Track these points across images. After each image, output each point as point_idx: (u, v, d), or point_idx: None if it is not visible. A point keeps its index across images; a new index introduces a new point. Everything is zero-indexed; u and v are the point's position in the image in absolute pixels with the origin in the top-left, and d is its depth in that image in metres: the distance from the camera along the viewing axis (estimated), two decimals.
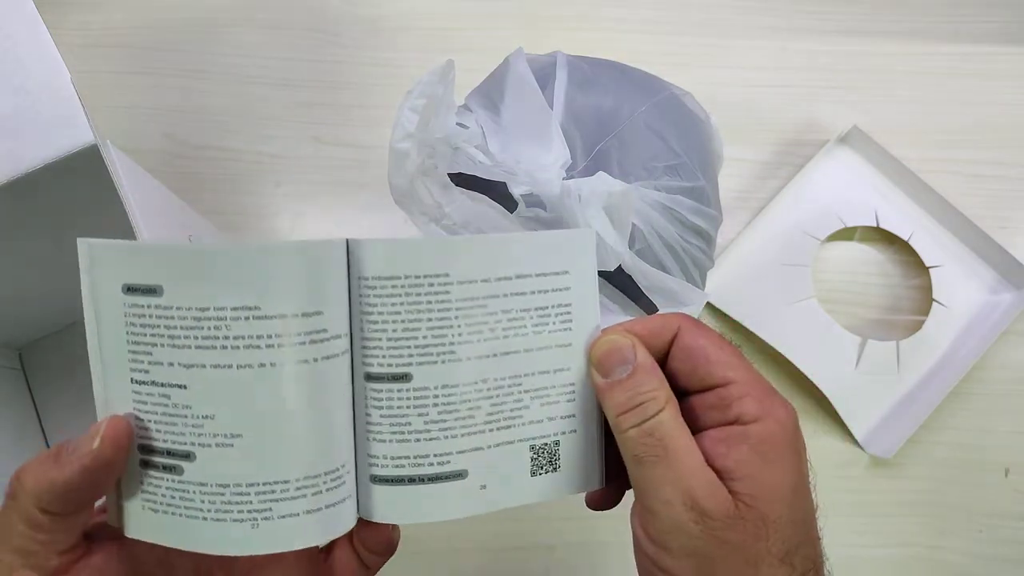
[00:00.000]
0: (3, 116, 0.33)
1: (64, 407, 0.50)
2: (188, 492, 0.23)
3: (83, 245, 0.23)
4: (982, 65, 0.61)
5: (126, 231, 0.34)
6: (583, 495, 0.28)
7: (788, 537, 0.23)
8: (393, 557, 0.28)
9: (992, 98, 0.60)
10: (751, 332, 0.52)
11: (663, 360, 0.25)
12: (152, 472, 0.24)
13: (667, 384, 0.24)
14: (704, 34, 0.62)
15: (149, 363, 0.23)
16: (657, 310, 0.37)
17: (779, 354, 0.51)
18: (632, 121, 0.39)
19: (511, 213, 0.37)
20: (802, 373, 0.51)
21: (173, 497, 0.24)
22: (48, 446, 0.49)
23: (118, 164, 0.35)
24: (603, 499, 0.28)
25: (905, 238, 0.55)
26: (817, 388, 0.51)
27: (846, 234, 0.57)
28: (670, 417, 0.24)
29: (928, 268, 0.54)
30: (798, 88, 0.61)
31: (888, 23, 0.62)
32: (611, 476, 0.27)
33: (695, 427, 0.24)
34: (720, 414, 0.24)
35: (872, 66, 0.61)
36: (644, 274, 0.35)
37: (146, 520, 0.24)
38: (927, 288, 0.54)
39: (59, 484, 0.22)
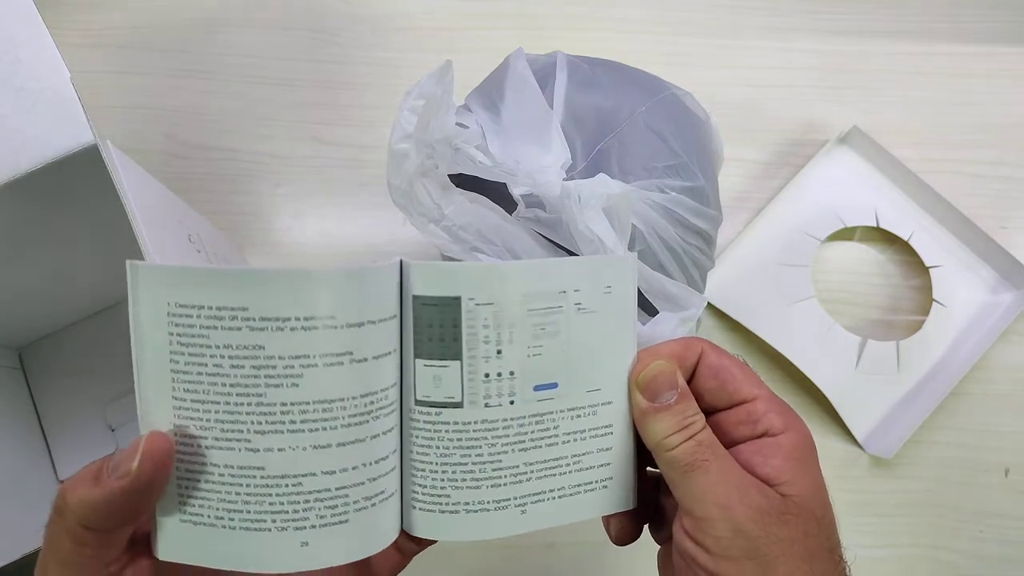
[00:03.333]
0: (3, 116, 0.33)
1: (64, 407, 0.50)
2: (243, 500, 0.23)
3: (131, 267, 0.23)
4: (983, 65, 0.61)
5: (126, 231, 0.34)
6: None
7: (831, 533, 0.25)
8: None
9: (992, 98, 0.60)
10: (751, 332, 0.52)
11: (687, 381, 0.27)
12: (198, 483, 0.23)
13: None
14: (704, 34, 0.62)
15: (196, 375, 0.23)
16: (657, 312, 0.37)
17: (779, 354, 0.51)
18: (632, 121, 0.39)
19: (510, 214, 0.37)
20: (802, 373, 0.51)
21: (221, 509, 0.23)
22: (48, 446, 0.50)
23: (118, 164, 0.35)
24: (628, 533, 0.28)
25: (905, 238, 0.55)
26: (817, 388, 0.51)
27: (846, 234, 0.57)
28: (711, 432, 0.25)
29: (928, 268, 0.54)
30: (798, 88, 0.61)
31: (888, 23, 0.62)
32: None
33: (726, 441, 0.26)
34: (749, 428, 0.26)
35: (872, 66, 0.61)
36: (644, 277, 0.35)
37: (185, 538, 0.23)
38: (927, 288, 0.54)
39: (100, 504, 0.22)
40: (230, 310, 0.22)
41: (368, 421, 0.24)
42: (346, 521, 0.24)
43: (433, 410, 0.25)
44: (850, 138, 0.58)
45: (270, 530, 0.23)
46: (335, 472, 0.24)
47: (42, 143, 0.33)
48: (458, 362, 0.25)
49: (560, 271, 0.25)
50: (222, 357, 0.22)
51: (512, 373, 0.25)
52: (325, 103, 0.59)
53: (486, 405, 0.25)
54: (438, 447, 0.25)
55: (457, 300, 0.24)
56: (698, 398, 0.26)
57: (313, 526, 0.24)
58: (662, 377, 0.26)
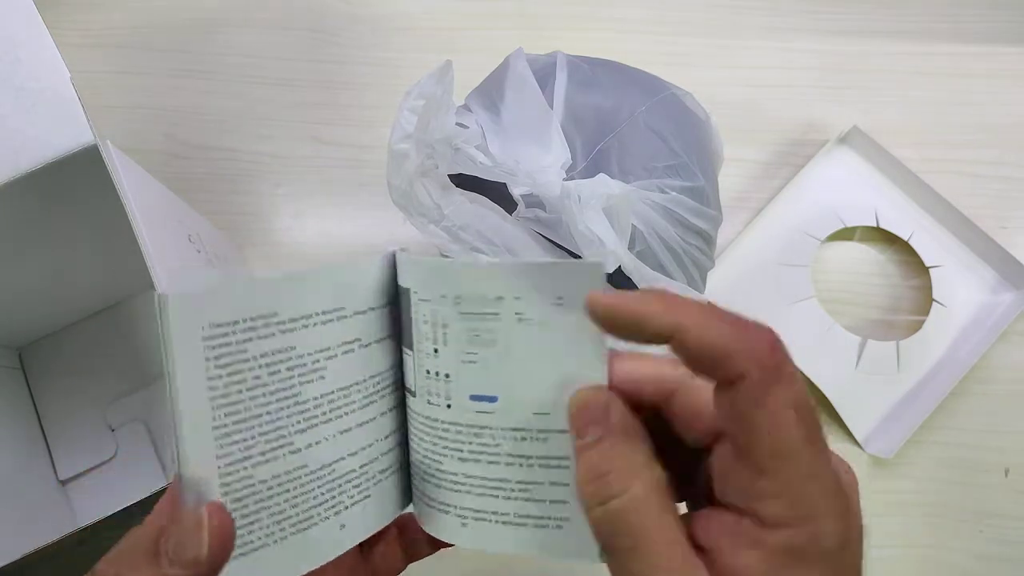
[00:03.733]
0: (3, 116, 0.33)
1: (64, 407, 0.50)
2: (291, 504, 0.23)
3: (159, 299, 0.21)
4: (983, 65, 0.61)
5: (126, 231, 0.34)
6: None
7: None
8: None
9: (992, 98, 0.60)
10: None
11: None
12: (247, 508, 0.22)
13: (648, 451, 0.20)
14: (704, 34, 0.62)
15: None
16: None
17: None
18: (632, 121, 0.39)
19: (510, 214, 0.37)
20: (802, 373, 0.51)
21: (272, 524, 0.23)
22: (48, 446, 0.49)
23: (118, 164, 0.35)
24: None
25: (905, 238, 0.55)
26: (817, 388, 0.51)
27: (846, 234, 0.57)
28: (642, 496, 0.19)
29: (928, 268, 0.54)
30: (798, 88, 0.61)
31: (888, 23, 0.62)
32: None
33: (719, 487, 0.20)
34: (742, 497, 0.19)
35: (872, 66, 0.61)
36: (644, 277, 0.35)
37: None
38: (927, 288, 0.54)
39: None
40: (264, 318, 0.22)
41: (376, 401, 0.25)
42: (369, 496, 0.25)
43: (407, 394, 0.26)
44: (850, 138, 0.58)
45: (317, 524, 0.24)
46: (357, 452, 0.25)
47: (42, 143, 0.33)
48: (411, 352, 0.25)
49: (499, 275, 0.23)
50: (260, 367, 0.22)
51: (447, 376, 0.24)
52: (325, 103, 0.59)
53: (428, 402, 0.24)
54: (410, 431, 0.26)
55: (408, 292, 0.24)
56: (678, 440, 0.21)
57: (346, 507, 0.24)
58: (586, 410, 0.20)
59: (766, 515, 0.18)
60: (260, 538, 0.22)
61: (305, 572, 0.23)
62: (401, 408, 0.26)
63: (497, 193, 0.37)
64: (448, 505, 0.25)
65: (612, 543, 0.19)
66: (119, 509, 0.41)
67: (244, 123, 0.58)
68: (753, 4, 0.63)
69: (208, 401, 0.21)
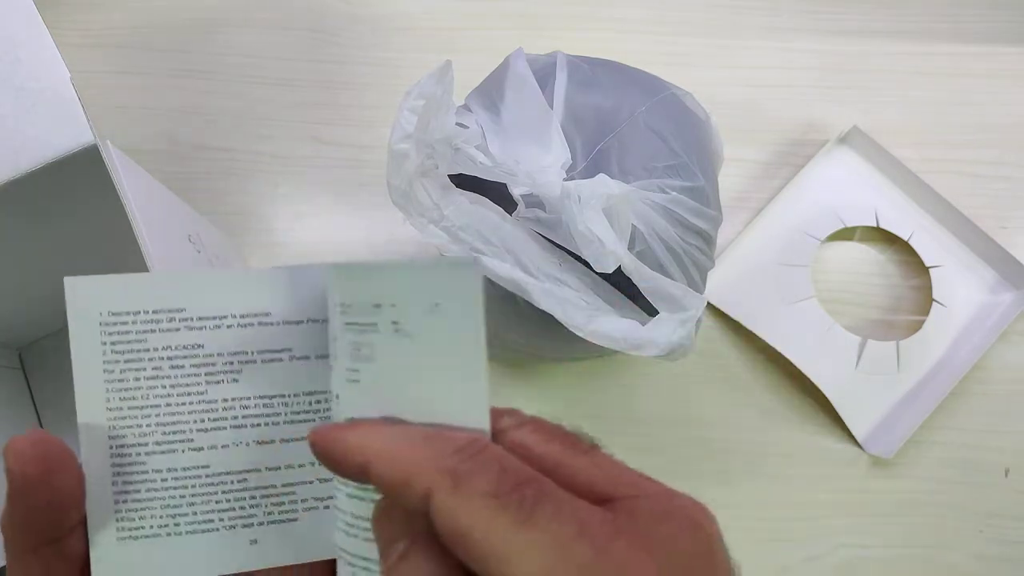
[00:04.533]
0: (3, 116, 0.33)
1: (64, 407, 0.50)
2: (188, 502, 0.23)
3: (68, 284, 0.23)
4: (983, 65, 0.61)
5: (126, 231, 0.34)
6: None
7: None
8: None
9: (992, 98, 0.60)
10: (751, 332, 0.52)
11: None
12: (138, 494, 0.23)
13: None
14: (704, 34, 0.62)
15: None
16: (656, 313, 0.37)
17: (779, 354, 0.51)
18: (632, 121, 0.39)
19: (510, 215, 0.37)
20: (802, 373, 0.51)
21: (165, 516, 0.23)
22: None
23: (118, 164, 0.35)
24: None
25: (905, 238, 0.55)
26: (817, 388, 0.51)
27: (846, 234, 0.57)
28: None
29: (928, 268, 0.54)
30: (798, 88, 0.61)
31: (888, 23, 0.62)
32: None
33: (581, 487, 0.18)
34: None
35: (872, 66, 0.61)
36: (644, 277, 0.35)
37: (126, 556, 0.23)
38: (927, 288, 0.54)
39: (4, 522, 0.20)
40: (168, 312, 0.23)
41: (314, 419, 0.24)
42: (295, 519, 0.24)
43: None
44: (850, 138, 0.58)
45: (218, 529, 0.23)
46: (280, 468, 0.24)
47: (42, 143, 0.33)
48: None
49: (376, 278, 0.20)
50: (162, 359, 0.23)
51: (338, 396, 0.21)
52: (325, 103, 0.59)
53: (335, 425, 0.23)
54: None
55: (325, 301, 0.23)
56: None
57: (261, 523, 0.24)
58: (388, 518, 0.18)
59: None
60: (152, 527, 0.23)
61: (202, 574, 0.23)
62: None
63: (497, 193, 0.37)
64: (339, 548, 0.22)
65: None
66: None
67: (244, 123, 0.58)
68: (753, 4, 0.63)
69: (103, 383, 0.23)
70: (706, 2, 0.63)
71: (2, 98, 0.33)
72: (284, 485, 0.24)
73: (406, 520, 0.17)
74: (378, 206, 0.56)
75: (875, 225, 0.56)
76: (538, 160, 0.36)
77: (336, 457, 0.18)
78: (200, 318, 0.23)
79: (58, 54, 0.34)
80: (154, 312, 0.23)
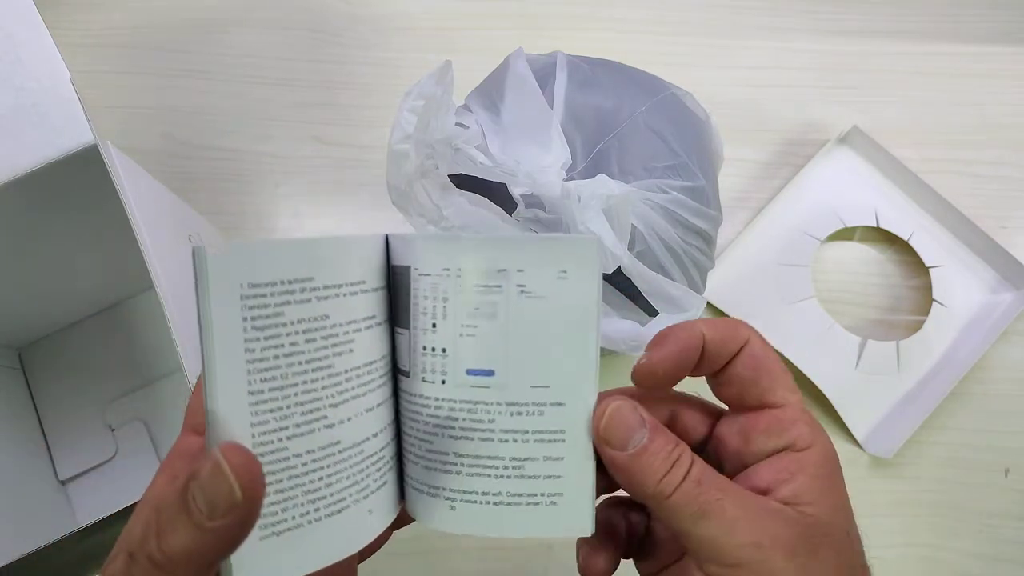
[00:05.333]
0: (3, 116, 0.33)
1: (64, 407, 0.50)
2: (325, 483, 0.22)
3: (197, 254, 0.20)
4: (982, 65, 0.61)
5: (126, 231, 0.34)
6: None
7: (860, 549, 0.23)
8: (393, 556, 0.28)
9: (992, 98, 0.60)
10: None
11: (723, 367, 0.24)
12: (281, 483, 0.21)
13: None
14: (704, 34, 0.62)
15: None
16: (656, 313, 0.37)
17: (779, 354, 0.51)
18: (632, 121, 0.39)
19: (510, 215, 0.37)
20: (802, 373, 0.51)
21: (306, 503, 0.22)
22: (48, 446, 0.49)
23: (118, 164, 0.35)
24: (597, 568, 0.25)
25: (905, 238, 0.55)
26: (817, 388, 0.51)
27: (846, 234, 0.57)
28: (703, 463, 0.22)
29: (928, 268, 0.54)
30: (798, 88, 0.61)
31: (888, 23, 0.62)
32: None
33: (748, 452, 0.24)
34: (774, 440, 0.23)
35: (872, 66, 0.61)
36: (643, 278, 0.35)
37: (268, 557, 0.21)
38: (927, 288, 0.54)
39: (198, 550, 0.18)
40: (300, 282, 0.22)
41: (388, 382, 0.25)
42: (387, 483, 0.24)
43: (399, 375, 0.25)
44: (850, 138, 0.58)
45: (349, 507, 0.23)
46: (378, 433, 0.24)
47: (42, 143, 0.33)
48: (407, 331, 0.24)
49: (504, 248, 0.23)
50: (297, 333, 0.21)
51: (444, 350, 0.24)
52: (325, 103, 0.59)
53: (423, 380, 0.24)
54: (402, 415, 0.25)
55: (407, 269, 0.24)
56: (725, 385, 0.24)
57: (372, 491, 0.24)
58: (624, 421, 0.22)
59: (798, 440, 0.23)
60: (295, 517, 0.22)
61: (340, 559, 0.22)
62: (396, 395, 0.26)
63: (497, 193, 0.37)
64: (436, 487, 0.24)
65: (706, 506, 0.21)
66: (119, 509, 0.41)
67: (244, 123, 0.59)
68: (753, 4, 0.63)
69: (244, 364, 0.21)
70: (706, 2, 0.63)
71: (2, 98, 0.33)
72: (380, 449, 0.24)
73: (639, 418, 0.23)
74: (378, 206, 0.56)
75: (875, 225, 0.56)
76: (538, 160, 0.36)
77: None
78: (325, 287, 0.22)
79: (58, 54, 0.34)
80: (289, 282, 0.21)
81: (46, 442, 0.50)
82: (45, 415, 0.50)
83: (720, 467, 0.25)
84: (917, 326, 0.54)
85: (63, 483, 0.49)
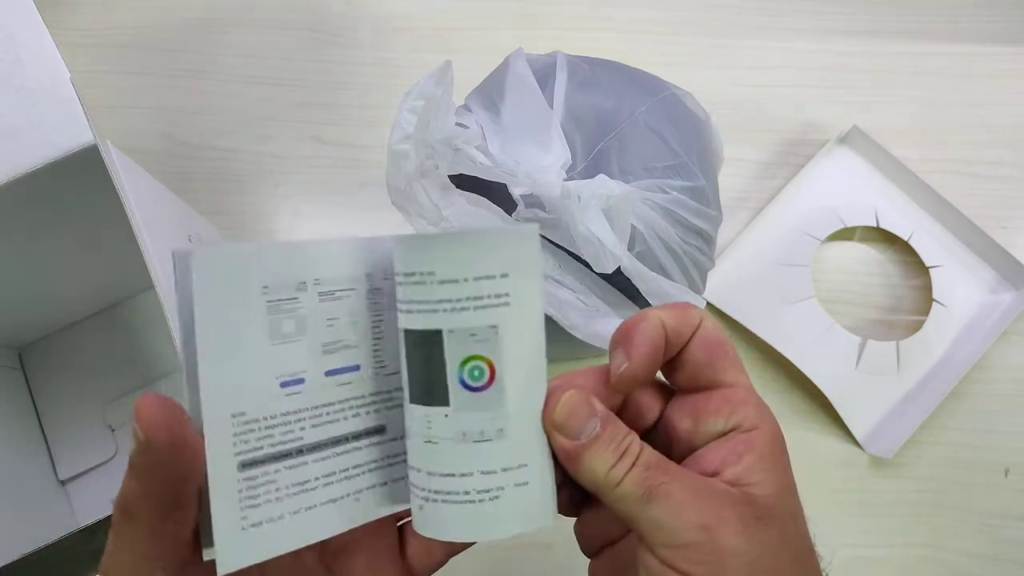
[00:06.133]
0: (3, 116, 0.33)
1: (64, 407, 0.50)
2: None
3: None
4: (982, 65, 0.61)
5: (126, 231, 0.34)
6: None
7: (807, 533, 0.23)
8: None
9: (992, 98, 0.60)
10: (751, 332, 0.52)
11: (679, 351, 0.24)
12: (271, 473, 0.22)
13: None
14: (704, 34, 0.62)
15: None
16: None
17: (779, 354, 0.51)
18: (632, 121, 0.39)
19: (510, 215, 0.37)
20: (802, 373, 0.51)
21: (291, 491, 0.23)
22: (48, 446, 0.50)
23: (118, 164, 0.35)
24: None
25: (905, 238, 0.55)
26: (817, 388, 0.51)
27: (846, 234, 0.57)
28: (650, 448, 0.23)
29: (928, 268, 0.54)
30: (798, 88, 0.61)
31: (888, 23, 0.62)
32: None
33: (695, 431, 0.24)
34: (723, 420, 0.24)
35: (872, 66, 0.61)
36: (643, 278, 0.35)
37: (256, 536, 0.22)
38: (927, 288, 0.54)
39: (137, 491, 0.21)
40: (312, 283, 0.23)
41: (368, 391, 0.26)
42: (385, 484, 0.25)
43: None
44: (850, 138, 0.58)
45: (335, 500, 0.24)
46: (356, 435, 0.25)
47: (42, 143, 0.33)
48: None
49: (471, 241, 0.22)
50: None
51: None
52: (325, 103, 0.59)
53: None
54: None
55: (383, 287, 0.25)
56: (679, 369, 0.25)
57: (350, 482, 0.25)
58: (577, 410, 0.23)
59: (744, 421, 0.24)
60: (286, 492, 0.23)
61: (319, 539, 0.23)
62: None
63: (497, 193, 0.37)
64: (413, 486, 0.24)
65: (653, 489, 0.22)
66: None
67: (244, 123, 0.59)
68: (753, 4, 0.63)
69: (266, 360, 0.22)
70: (706, 2, 0.63)
71: (2, 98, 0.33)
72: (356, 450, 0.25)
73: (592, 408, 0.23)
74: (378, 206, 0.56)
75: (875, 225, 0.56)
76: (538, 160, 0.36)
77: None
78: (331, 291, 0.23)
79: (58, 54, 0.34)
80: (305, 283, 0.23)
81: (46, 442, 0.50)
82: (45, 415, 0.50)
83: (670, 449, 0.25)
84: (917, 326, 0.54)
85: (63, 483, 0.49)
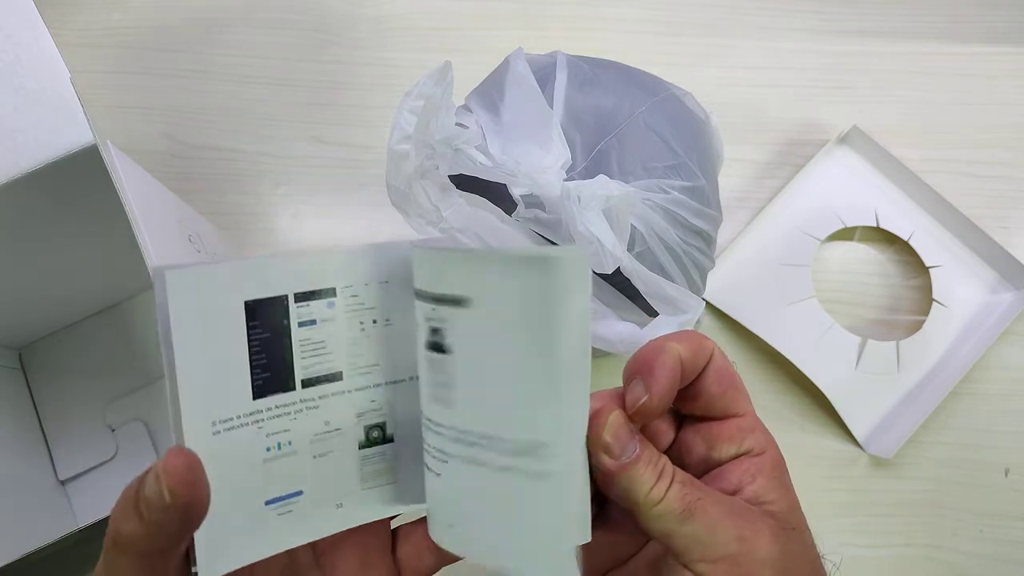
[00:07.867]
0: (3, 116, 0.33)
1: (64, 407, 0.50)
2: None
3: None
4: (982, 65, 0.61)
5: (126, 231, 0.34)
6: None
7: (814, 543, 0.25)
8: None
9: (992, 98, 0.60)
10: (751, 332, 0.52)
11: (693, 380, 0.25)
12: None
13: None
14: (704, 34, 0.62)
15: None
16: (656, 314, 0.37)
17: (779, 354, 0.51)
18: (632, 121, 0.39)
19: (510, 216, 0.37)
20: (802, 373, 0.51)
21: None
22: (48, 446, 0.50)
23: (118, 164, 0.35)
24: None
25: (905, 238, 0.55)
26: (817, 388, 0.51)
27: (846, 234, 0.57)
28: (679, 468, 0.24)
29: (928, 268, 0.54)
30: (798, 88, 0.61)
31: (888, 23, 0.62)
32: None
33: (710, 456, 0.26)
34: (735, 446, 0.25)
35: (872, 66, 0.61)
36: (643, 279, 0.35)
37: (239, 543, 0.22)
38: (927, 288, 0.54)
39: (145, 537, 0.21)
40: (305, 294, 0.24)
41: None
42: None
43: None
44: (850, 138, 0.58)
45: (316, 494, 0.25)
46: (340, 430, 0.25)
47: (42, 143, 0.33)
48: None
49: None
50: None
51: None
52: (325, 103, 0.59)
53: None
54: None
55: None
56: (692, 399, 0.25)
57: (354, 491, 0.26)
58: (620, 431, 0.23)
59: (755, 446, 0.25)
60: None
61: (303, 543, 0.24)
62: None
63: (497, 194, 0.37)
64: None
65: (692, 505, 0.23)
66: None
67: (244, 123, 0.58)
68: (753, 4, 0.63)
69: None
70: (706, 2, 0.63)
71: (2, 98, 0.33)
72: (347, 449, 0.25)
73: (632, 432, 0.24)
74: (378, 206, 0.56)
75: (875, 225, 0.56)
76: (538, 160, 0.36)
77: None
78: (312, 303, 0.23)
79: (58, 54, 0.34)
80: (298, 295, 0.23)
81: (46, 442, 0.50)
82: (45, 415, 0.50)
83: (685, 471, 0.26)
84: (917, 326, 0.54)
85: (63, 483, 0.49)
